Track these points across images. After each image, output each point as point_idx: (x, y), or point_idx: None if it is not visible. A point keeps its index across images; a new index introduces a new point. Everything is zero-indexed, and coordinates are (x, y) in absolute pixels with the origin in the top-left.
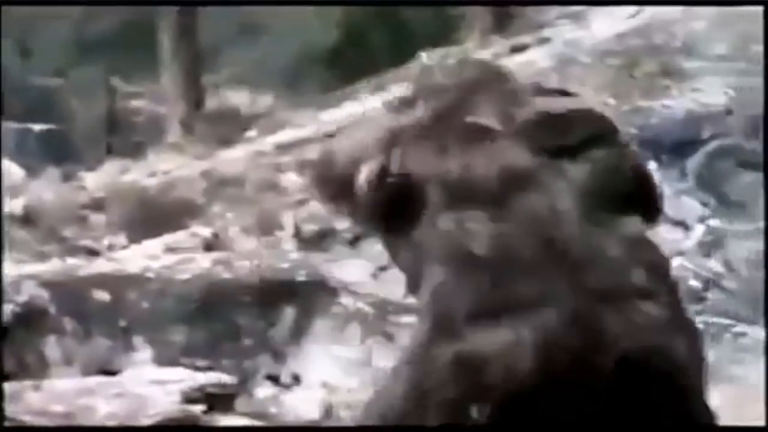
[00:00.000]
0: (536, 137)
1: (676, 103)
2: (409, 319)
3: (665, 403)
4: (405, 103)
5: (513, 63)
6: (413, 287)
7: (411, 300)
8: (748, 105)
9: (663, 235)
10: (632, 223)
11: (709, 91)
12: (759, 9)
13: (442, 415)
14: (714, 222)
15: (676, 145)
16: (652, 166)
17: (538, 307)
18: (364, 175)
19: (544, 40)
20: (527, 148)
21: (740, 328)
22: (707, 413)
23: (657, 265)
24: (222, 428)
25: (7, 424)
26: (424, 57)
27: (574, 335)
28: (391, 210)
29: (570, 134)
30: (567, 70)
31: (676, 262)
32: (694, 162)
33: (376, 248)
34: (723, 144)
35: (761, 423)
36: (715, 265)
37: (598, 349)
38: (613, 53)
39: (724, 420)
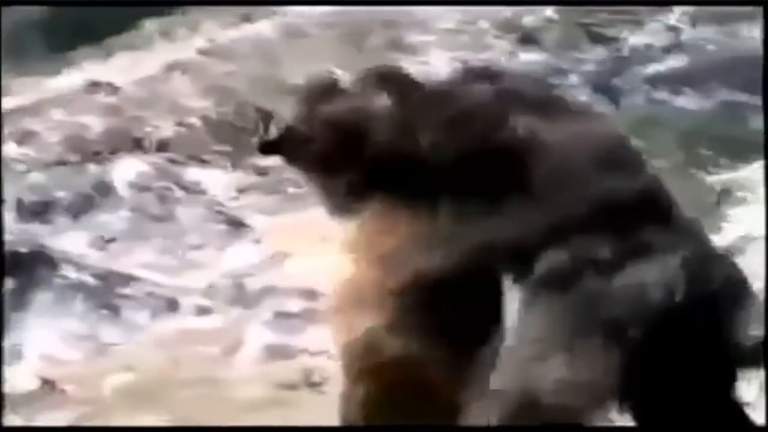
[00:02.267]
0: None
1: None
2: (130, 290)
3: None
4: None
5: (240, 33)
6: None
7: (137, 271)
8: None
9: None
10: None
11: (436, 64)
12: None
13: (608, 331)
14: None
15: None
16: None
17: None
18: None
19: (273, 11)
20: None
21: None
22: None
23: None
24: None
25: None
26: (149, 25)
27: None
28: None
29: None
30: (295, 41)
31: None
32: None
33: (100, 219)
34: None
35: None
36: None
37: (707, 272)
38: (341, 25)
39: None
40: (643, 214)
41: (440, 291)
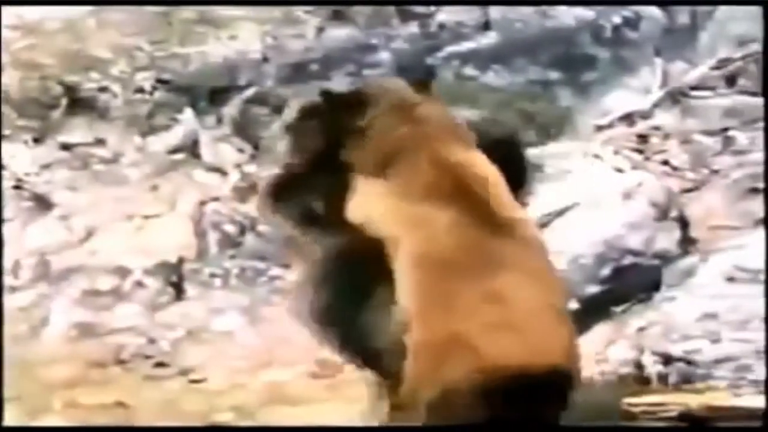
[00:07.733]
0: None
1: (212, 50)
2: None
3: None
4: None
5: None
6: None
7: None
8: (284, 52)
9: (199, 179)
10: None
11: (246, 39)
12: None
13: None
14: (249, 168)
15: (213, 92)
16: (188, 113)
17: None
18: None
19: None
20: None
21: (274, 271)
22: None
23: None
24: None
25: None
26: None
27: None
28: None
29: None
30: (104, 15)
31: (211, 207)
32: (231, 109)
33: None
34: (259, 91)
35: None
36: (250, 209)
37: None
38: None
39: None
40: None
41: None
